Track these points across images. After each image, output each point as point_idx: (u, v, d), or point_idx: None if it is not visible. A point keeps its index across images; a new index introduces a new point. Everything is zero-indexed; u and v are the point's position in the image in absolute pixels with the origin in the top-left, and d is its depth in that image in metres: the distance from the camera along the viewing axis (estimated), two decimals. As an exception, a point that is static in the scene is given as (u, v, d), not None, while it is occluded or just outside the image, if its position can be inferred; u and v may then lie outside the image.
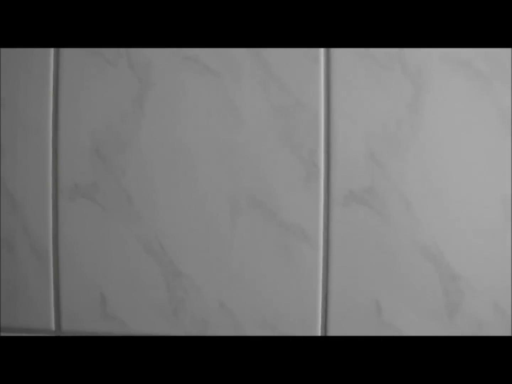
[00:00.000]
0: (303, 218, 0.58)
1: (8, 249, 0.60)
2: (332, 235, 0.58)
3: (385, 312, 0.58)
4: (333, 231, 0.58)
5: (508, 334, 0.58)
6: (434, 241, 0.57)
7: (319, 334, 0.58)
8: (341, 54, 0.57)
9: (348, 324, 0.58)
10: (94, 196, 0.59)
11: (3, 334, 0.60)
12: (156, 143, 0.59)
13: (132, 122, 0.59)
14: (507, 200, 0.57)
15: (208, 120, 0.58)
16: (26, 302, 0.60)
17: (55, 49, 0.59)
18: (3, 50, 0.59)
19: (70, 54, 0.59)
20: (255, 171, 0.58)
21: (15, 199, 0.60)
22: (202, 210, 0.58)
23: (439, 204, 0.57)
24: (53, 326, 0.60)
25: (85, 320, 0.59)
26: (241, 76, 0.58)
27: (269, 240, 0.58)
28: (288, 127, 0.58)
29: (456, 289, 0.58)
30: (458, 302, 0.58)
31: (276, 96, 0.58)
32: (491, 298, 0.58)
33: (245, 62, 0.58)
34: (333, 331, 0.58)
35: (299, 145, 0.58)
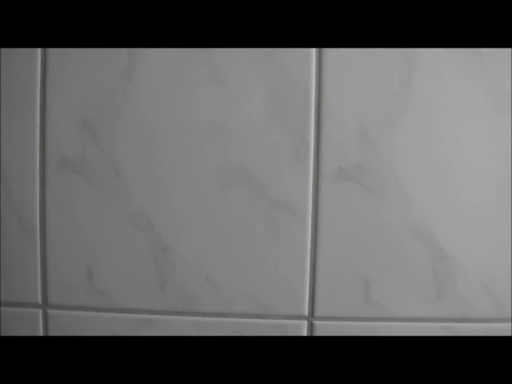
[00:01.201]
0: (292, 194, 0.57)
1: (-5, 222, 0.59)
2: (321, 211, 0.57)
3: (373, 290, 0.58)
4: (322, 208, 0.57)
5: (495, 314, 0.58)
6: (424, 220, 0.57)
7: (306, 311, 0.58)
8: (333, 28, 0.56)
9: (336, 301, 0.58)
10: (81, 169, 0.58)
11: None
12: (145, 116, 0.58)
13: (121, 95, 0.58)
14: (500, 180, 0.57)
15: (197, 93, 0.57)
16: (13, 275, 0.59)
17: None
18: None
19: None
20: (244, 146, 0.57)
21: (2, 172, 0.59)
22: (191, 185, 0.58)
23: (430, 182, 0.57)
24: (39, 300, 0.59)
25: (72, 294, 0.59)
26: (232, 49, 0.57)
27: (258, 216, 0.58)
28: (278, 101, 0.57)
29: (445, 269, 0.57)
30: (447, 281, 0.57)
31: (267, 71, 0.57)
32: (480, 278, 0.57)
33: (236, 35, 0.57)
34: (320, 308, 0.58)
35: (289, 120, 0.57)
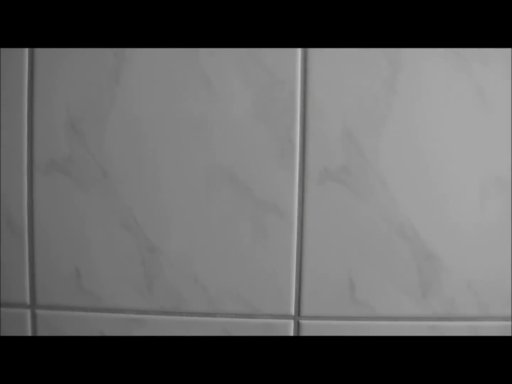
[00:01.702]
0: (278, 195, 0.58)
1: (-16, 223, 0.59)
2: (306, 212, 0.58)
3: (358, 290, 0.58)
4: (308, 208, 0.58)
5: (479, 313, 0.58)
6: (409, 220, 0.58)
7: (292, 310, 0.59)
8: (319, 30, 0.56)
9: (322, 300, 0.58)
10: (69, 170, 0.59)
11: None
12: (132, 117, 0.58)
13: (108, 96, 0.58)
14: (484, 180, 0.57)
15: (182, 93, 0.58)
16: (1, 276, 0.60)
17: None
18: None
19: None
20: (230, 147, 0.58)
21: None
22: (178, 186, 0.58)
23: (414, 183, 0.57)
24: (28, 300, 0.60)
25: (60, 294, 0.59)
26: (217, 50, 0.57)
27: (245, 216, 0.58)
28: (264, 102, 0.57)
29: (430, 268, 0.58)
30: (431, 281, 0.58)
31: (252, 71, 0.57)
32: (464, 277, 0.58)
33: (223, 37, 0.57)
34: (306, 308, 0.58)
35: (275, 121, 0.57)
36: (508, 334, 0.58)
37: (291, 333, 0.59)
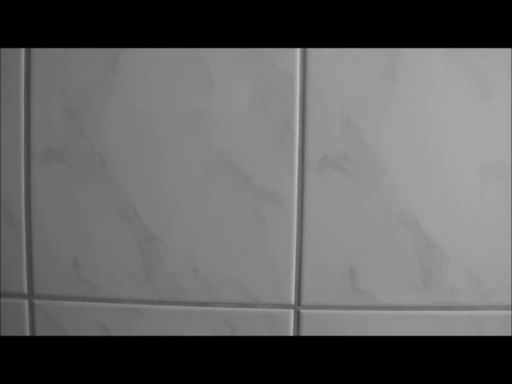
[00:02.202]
0: (277, 183, 0.57)
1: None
2: (306, 199, 0.57)
3: (359, 279, 0.58)
4: (308, 196, 0.57)
5: (480, 302, 0.58)
6: (409, 208, 0.57)
7: (292, 299, 0.58)
8: (318, 17, 0.56)
9: (322, 290, 0.58)
10: (67, 159, 0.58)
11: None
12: (130, 107, 0.58)
13: (106, 86, 0.58)
14: (484, 168, 0.57)
15: (180, 83, 0.57)
16: (-1, 266, 0.59)
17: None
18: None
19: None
20: (228, 136, 0.57)
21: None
22: (177, 175, 0.58)
23: (414, 170, 0.57)
24: (25, 290, 0.59)
25: (58, 284, 0.59)
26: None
27: (243, 205, 0.58)
28: (263, 91, 0.57)
29: (430, 256, 0.58)
30: (432, 269, 0.58)
31: (251, 61, 0.57)
32: (465, 266, 0.58)
33: (221, 23, 0.56)
34: (307, 297, 0.58)
35: (273, 109, 0.57)
36: (509, 323, 0.58)
37: (291, 322, 0.59)
